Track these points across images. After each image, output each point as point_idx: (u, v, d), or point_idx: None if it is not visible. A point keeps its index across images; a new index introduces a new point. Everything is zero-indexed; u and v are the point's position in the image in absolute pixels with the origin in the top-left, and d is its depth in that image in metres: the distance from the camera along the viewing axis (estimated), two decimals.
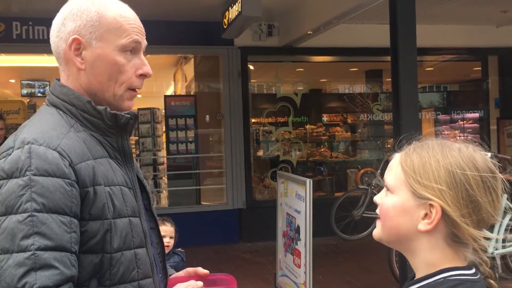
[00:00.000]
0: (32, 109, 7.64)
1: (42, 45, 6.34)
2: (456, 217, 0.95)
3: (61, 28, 1.21)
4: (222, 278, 1.31)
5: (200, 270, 1.35)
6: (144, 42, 1.27)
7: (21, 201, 1.02)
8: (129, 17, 1.24)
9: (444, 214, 0.96)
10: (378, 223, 1.06)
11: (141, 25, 1.27)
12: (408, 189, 1.00)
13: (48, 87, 7.91)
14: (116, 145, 1.24)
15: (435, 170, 0.97)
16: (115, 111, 1.22)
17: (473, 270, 1.00)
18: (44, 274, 0.99)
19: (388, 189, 1.05)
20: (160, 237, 1.36)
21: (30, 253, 0.99)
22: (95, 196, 1.11)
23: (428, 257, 1.00)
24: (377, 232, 1.07)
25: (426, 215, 0.98)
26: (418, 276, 1.02)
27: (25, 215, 1.01)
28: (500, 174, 1.00)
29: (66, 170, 1.07)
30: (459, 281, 0.96)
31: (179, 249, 3.25)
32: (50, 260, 1.00)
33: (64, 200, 1.05)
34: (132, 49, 1.23)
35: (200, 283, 1.22)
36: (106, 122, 1.20)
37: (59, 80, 1.26)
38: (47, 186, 1.04)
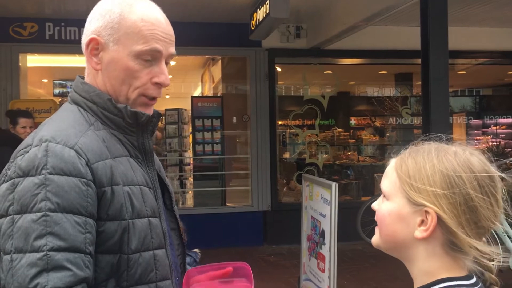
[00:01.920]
0: None
1: (74, 46, 6.47)
2: (452, 224, 0.91)
3: (87, 26, 1.21)
4: (239, 266, 1.27)
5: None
6: (169, 51, 1.21)
7: (36, 200, 1.01)
8: (153, 22, 1.17)
9: (441, 221, 0.93)
10: (377, 230, 1.04)
11: (168, 32, 1.20)
12: (404, 196, 0.97)
13: None
14: (137, 144, 1.22)
15: (430, 175, 0.94)
16: (135, 110, 1.20)
17: (473, 280, 0.95)
18: (56, 275, 0.98)
19: (384, 196, 1.02)
20: (181, 239, 1.34)
21: (42, 253, 0.98)
22: (113, 196, 1.09)
23: (426, 266, 0.97)
24: (376, 239, 1.05)
25: (422, 222, 0.95)
26: (415, 285, 0.99)
27: (39, 214, 1.00)
28: (499, 178, 0.95)
29: (82, 169, 1.06)
30: None
31: (194, 250, 3.24)
32: (63, 261, 0.99)
33: (79, 200, 1.04)
34: (151, 56, 1.18)
35: None
36: (126, 120, 1.19)
37: (82, 77, 1.26)
38: (62, 185, 1.03)
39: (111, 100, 1.18)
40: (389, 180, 1.01)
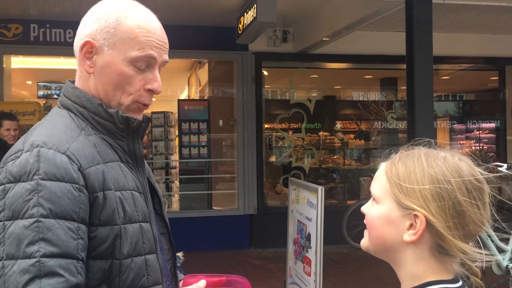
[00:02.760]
0: (47, 110, 7.71)
1: (59, 48, 6.42)
2: (441, 228, 0.93)
3: (82, 29, 1.21)
4: (237, 280, 1.27)
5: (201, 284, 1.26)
6: (163, 58, 1.21)
7: (28, 206, 1.00)
8: (149, 29, 1.18)
9: (429, 224, 0.94)
10: (366, 233, 1.05)
11: (163, 39, 1.21)
12: (393, 199, 0.98)
13: None
14: (128, 149, 1.22)
15: (420, 179, 0.95)
16: (127, 115, 1.20)
17: (460, 283, 0.97)
18: (48, 282, 0.97)
19: (373, 199, 1.03)
20: (171, 243, 1.34)
21: (35, 260, 0.97)
22: (105, 201, 1.09)
23: (413, 269, 0.98)
24: (364, 242, 1.05)
25: (411, 225, 0.96)
26: None
27: (32, 220, 0.99)
28: (487, 184, 0.97)
29: (75, 174, 1.05)
30: None
31: (177, 254, 3.21)
32: (56, 268, 0.98)
33: (71, 206, 1.03)
34: (145, 63, 1.18)
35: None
36: (117, 125, 1.19)
37: (72, 81, 1.25)
38: (54, 191, 1.02)
39: (102, 105, 1.18)
40: (379, 183, 1.03)
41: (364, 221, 1.05)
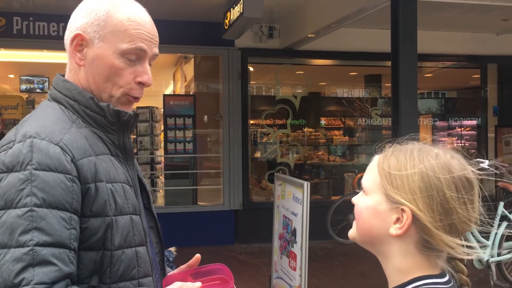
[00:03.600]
0: (30, 104, 7.63)
1: (42, 41, 6.33)
2: (428, 223, 0.93)
3: (72, 22, 1.22)
4: (216, 268, 1.29)
5: (191, 261, 1.31)
6: (153, 51, 1.23)
7: (21, 195, 1.01)
8: (139, 22, 1.19)
9: (416, 219, 0.95)
10: (354, 223, 1.06)
11: (153, 33, 1.22)
12: (382, 192, 0.99)
13: (47, 83, 7.89)
14: (118, 143, 1.23)
15: (410, 174, 0.96)
16: (118, 108, 1.20)
17: (446, 278, 0.98)
18: (42, 270, 0.98)
19: (364, 191, 1.04)
20: (159, 237, 1.35)
21: (28, 248, 0.98)
22: (97, 193, 1.10)
23: (399, 263, 0.99)
24: (352, 231, 1.06)
25: (398, 219, 0.97)
26: (390, 284, 1.01)
27: (25, 209, 1.00)
28: (477, 183, 0.98)
29: (68, 165, 1.06)
30: None
31: (169, 249, 3.22)
32: (49, 257, 0.99)
33: (64, 196, 1.04)
34: (135, 56, 1.19)
35: (198, 284, 1.21)
36: (108, 118, 1.20)
37: (62, 75, 1.25)
38: (48, 181, 1.03)
39: (93, 98, 1.19)
40: (370, 175, 1.03)
41: (354, 211, 1.06)
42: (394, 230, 0.97)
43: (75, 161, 1.08)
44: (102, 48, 1.18)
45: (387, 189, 0.98)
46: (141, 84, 1.22)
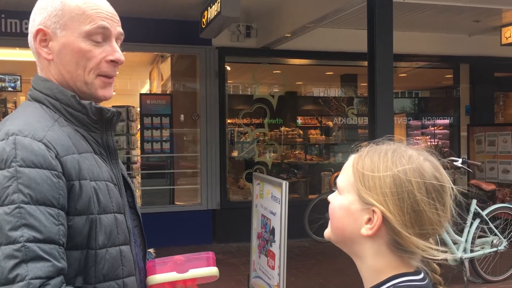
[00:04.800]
0: (2, 103, 7.45)
1: (14, 39, 6.20)
2: (397, 225, 0.94)
3: (31, 23, 1.22)
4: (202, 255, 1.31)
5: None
6: (117, 30, 1.23)
7: (8, 192, 1.00)
8: (95, 3, 1.20)
9: (387, 221, 0.95)
10: (330, 222, 1.07)
11: (112, 12, 1.23)
12: (355, 192, 0.99)
13: (19, 81, 7.72)
14: (101, 141, 1.23)
15: (382, 176, 0.96)
16: (100, 106, 1.20)
17: (422, 275, 0.99)
18: (35, 265, 0.97)
19: (338, 190, 1.05)
20: (143, 236, 1.35)
21: (19, 245, 0.97)
22: (81, 190, 1.09)
23: (373, 263, 1.00)
24: (327, 231, 1.07)
25: (369, 220, 0.97)
26: (365, 283, 1.02)
27: (12, 206, 0.99)
28: (451, 185, 0.98)
29: (53, 161, 1.05)
30: (408, 287, 0.96)
31: (148, 250, 3.19)
32: (41, 252, 0.98)
33: (51, 192, 1.03)
34: (101, 36, 1.19)
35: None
36: (90, 116, 1.19)
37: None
38: (33, 177, 1.02)
39: (75, 96, 1.18)
40: (345, 175, 1.04)
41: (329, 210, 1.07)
42: (365, 230, 0.98)
43: (59, 158, 1.07)
44: (65, 37, 1.18)
45: (359, 189, 0.99)
46: (114, 62, 1.22)
